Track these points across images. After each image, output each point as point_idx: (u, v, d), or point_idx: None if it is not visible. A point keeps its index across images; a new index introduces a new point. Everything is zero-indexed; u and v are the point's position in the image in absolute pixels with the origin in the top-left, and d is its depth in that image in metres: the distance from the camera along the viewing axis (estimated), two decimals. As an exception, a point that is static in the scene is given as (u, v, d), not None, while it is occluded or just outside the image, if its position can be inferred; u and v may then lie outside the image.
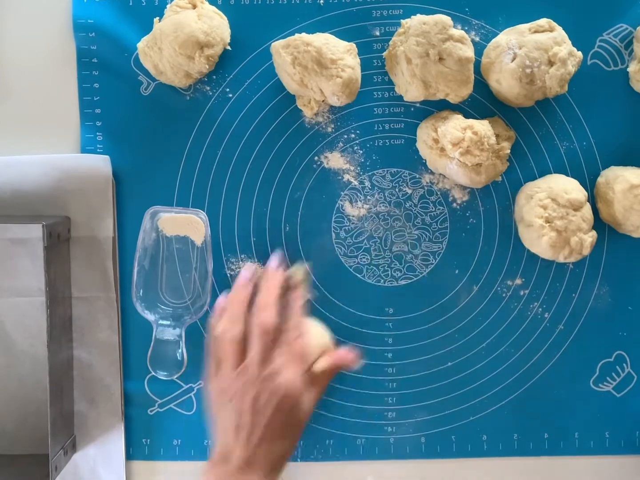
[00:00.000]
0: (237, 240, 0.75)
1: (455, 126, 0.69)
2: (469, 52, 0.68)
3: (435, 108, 0.74)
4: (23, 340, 0.76)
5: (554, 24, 0.70)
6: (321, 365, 0.70)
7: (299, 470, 0.75)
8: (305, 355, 0.69)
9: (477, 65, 0.72)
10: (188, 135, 0.74)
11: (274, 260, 0.73)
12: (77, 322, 0.75)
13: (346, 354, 0.72)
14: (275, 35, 0.73)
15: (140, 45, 0.71)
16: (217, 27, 0.71)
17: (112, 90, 0.74)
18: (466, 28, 0.73)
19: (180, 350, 0.74)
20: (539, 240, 0.70)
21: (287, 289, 0.72)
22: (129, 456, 0.76)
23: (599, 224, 0.73)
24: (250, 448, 0.66)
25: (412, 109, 0.75)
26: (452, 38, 0.68)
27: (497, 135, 0.71)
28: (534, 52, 0.68)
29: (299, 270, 0.73)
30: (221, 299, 0.72)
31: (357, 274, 0.76)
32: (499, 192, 0.75)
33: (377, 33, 0.74)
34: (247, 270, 0.73)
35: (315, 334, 0.72)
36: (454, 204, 0.75)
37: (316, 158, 0.75)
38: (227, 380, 0.68)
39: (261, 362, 0.68)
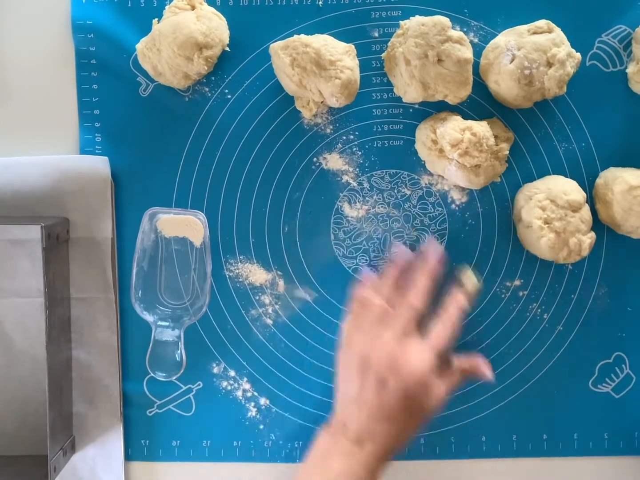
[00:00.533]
0: (235, 241, 0.75)
1: (454, 127, 0.69)
2: (467, 53, 0.68)
3: (434, 109, 0.74)
4: (22, 341, 0.76)
5: (553, 25, 0.70)
6: (461, 363, 0.70)
7: (298, 471, 0.75)
8: (442, 351, 0.68)
9: (476, 66, 0.72)
10: (187, 137, 0.74)
11: (436, 252, 0.71)
12: (76, 323, 0.75)
13: (485, 364, 0.70)
14: (274, 36, 0.73)
15: (139, 46, 0.71)
16: (215, 28, 0.71)
17: (110, 91, 0.74)
18: (465, 29, 0.73)
19: (179, 352, 0.74)
20: (537, 241, 0.70)
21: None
22: (128, 457, 0.76)
23: (598, 225, 0.73)
24: (368, 424, 0.66)
25: (411, 110, 0.75)
26: (450, 39, 0.68)
27: (495, 137, 0.71)
28: (533, 54, 0.68)
29: (471, 281, 0.72)
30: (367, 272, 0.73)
31: (356, 275, 0.75)
32: (497, 193, 0.75)
33: (376, 34, 0.74)
34: (404, 252, 0.73)
35: None
36: (453, 205, 0.75)
37: (315, 159, 0.75)
38: (362, 346, 0.68)
39: (398, 339, 0.67)
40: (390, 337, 0.67)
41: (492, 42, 0.71)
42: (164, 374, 0.73)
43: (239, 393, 0.76)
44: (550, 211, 0.69)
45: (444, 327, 0.68)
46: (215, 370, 0.76)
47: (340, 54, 0.69)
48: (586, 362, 0.75)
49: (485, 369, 0.70)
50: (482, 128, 0.69)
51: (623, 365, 0.76)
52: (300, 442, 0.76)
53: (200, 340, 0.75)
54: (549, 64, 0.68)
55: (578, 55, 0.69)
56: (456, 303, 0.70)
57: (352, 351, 0.68)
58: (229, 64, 0.74)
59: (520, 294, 0.75)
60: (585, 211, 0.70)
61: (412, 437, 0.69)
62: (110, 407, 0.75)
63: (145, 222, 0.73)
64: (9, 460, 0.75)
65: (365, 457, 0.65)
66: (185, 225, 0.74)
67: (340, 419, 0.68)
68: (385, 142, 0.75)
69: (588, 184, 0.74)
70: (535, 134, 0.74)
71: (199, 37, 0.69)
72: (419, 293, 0.69)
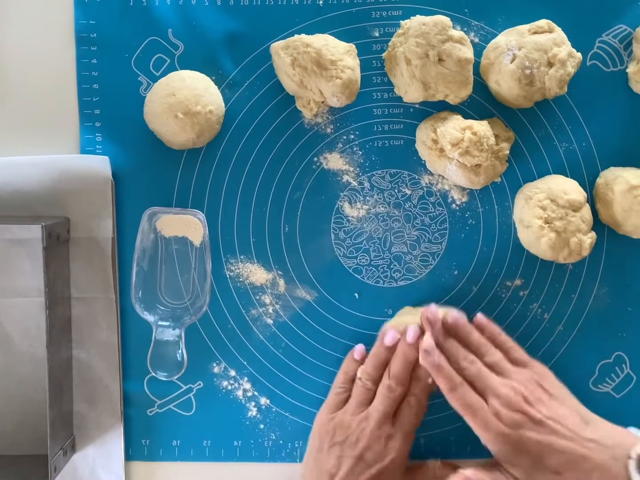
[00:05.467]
0: (236, 240, 0.75)
1: (454, 127, 0.69)
2: (468, 53, 0.68)
3: (434, 109, 0.74)
4: (22, 341, 0.76)
5: (554, 25, 0.70)
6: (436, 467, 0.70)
7: (298, 471, 0.75)
8: (414, 430, 0.70)
9: (477, 66, 0.72)
10: (187, 136, 0.75)
11: (414, 333, 0.70)
12: (76, 322, 0.75)
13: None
14: (274, 36, 0.73)
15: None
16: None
17: (111, 90, 0.74)
18: (465, 29, 0.73)
19: (180, 351, 0.74)
20: (538, 241, 0.70)
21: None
22: (128, 457, 0.76)
23: (598, 224, 0.73)
24: None
25: (412, 110, 0.75)
26: (451, 39, 0.68)
27: (496, 136, 0.71)
28: (534, 53, 0.68)
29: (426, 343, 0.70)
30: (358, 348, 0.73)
31: (356, 275, 0.76)
32: (498, 193, 0.75)
33: (377, 34, 0.74)
34: (392, 335, 0.71)
35: None
36: (453, 205, 0.75)
37: (315, 159, 0.75)
38: (346, 423, 0.69)
39: (380, 420, 0.68)
40: (374, 418, 0.68)
41: (492, 41, 0.71)
42: (166, 374, 0.73)
43: (240, 393, 0.76)
44: (551, 211, 0.69)
45: (414, 411, 0.69)
46: (216, 369, 0.76)
47: (341, 54, 0.69)
48: (586, 362, 0.75)
49: None
50: (482, 127, 0.69)
51: (623, 365, 0.76)
52: (301, 442, 0.76)
53: (201, 340, 0.75)
54: (550, 64, 0.68)
55: (579, 55, 0.69)
56: (423, 384, 0.70)
57: (334, 425, 0.69)
58: (229, 64, 0.74)
59: (521, 293, 0.75)
60: (586, 211, 0.70)
61: None
62: (110, 406, 0.75)
63: (145, 221, 0.73)
64: (9, 460, 0.75)
65: None
66: (184, 224, 0.74)
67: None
68: (386, 141, 0.75)
69: (588, 184, 0.74)
70: (535, 133, 0.74)
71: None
72: (399, 376, 0.69)
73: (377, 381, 0.70)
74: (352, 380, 0.72)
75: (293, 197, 0.75)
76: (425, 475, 0.70)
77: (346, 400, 0.71)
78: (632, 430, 0.68)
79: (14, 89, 0.75)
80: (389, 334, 0.71)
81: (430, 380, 0.70)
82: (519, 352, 0.71)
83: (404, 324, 0.71)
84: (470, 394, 0.67)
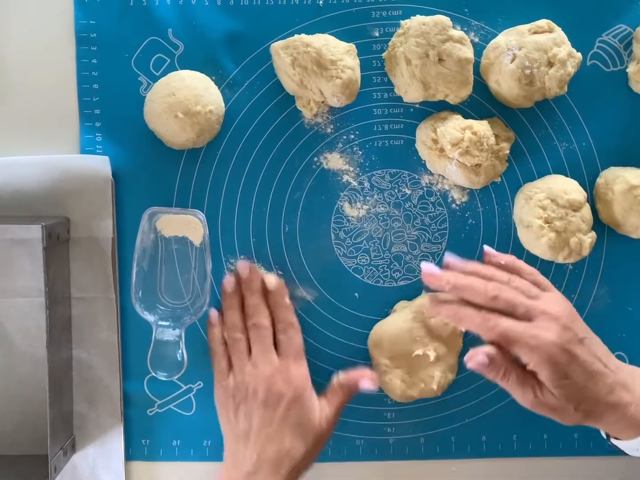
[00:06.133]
0: (236, 240, 0.75)
1: (454, 126, 0.69)
2: (468, 53, 0.69)
3: (434, 109, 0.74)
4: (23, 341, 0.76)
5: (554, 24, 0.70)
6: (340, 380, 0.71)
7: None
8: (302, 350, 0.72)
9: (477, 66, 0.72)
10: (187, 136, 0.74)
11: (244, 266, 0.73)
12: (76, 322, 0.75)
13: (365, 375, 0.71)
14: (274, 36, 0.73)
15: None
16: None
17: (111, 90, 0.74)
18: (465, 29, 0.73)
19: (180, 351, 0.73)
20: (538, 241, 0.70)
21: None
22: (128, 457, 0.76)
23: (598, 224, 0.73)
24: (259, 446, 0.67)
25: (412, 110, 0.75)
26: (451, 39, 0.68)
27: (496, 136, 0.71)
28: (534, 53, 0.68)
29: (272, 280, 0.73)
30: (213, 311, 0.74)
31: (357, 275, 0.76)
32: (498, 193, 0.75)
33: (377, 34, 0.74)
34: (228, 280, 0.73)
35: None
36: (453, 205, 0.75)
37: (315, 159, 0.75)
38: (238, 378, 0.70)
39: (265, 360, 0.70)
40: (258, 363, 0.70)
41: (492, 41, 0.71)
42: (166, 374, 0.73)
43: (240, 393, 0.76)
44: (551, 211, 0.69)
45: (288, 330, 0.71)
46: (216, 369, 0.76)
47: (341, 54, 0.69)
48: (586, 362, 0.75)
49: (364, 381, 0.70)
50: (482, 127, 0.69)
51: (623, 365, 0.76)
52: (301, 442, 0.76)
53: (201, 340, 0.75)
54: (550, 64, 0.68)
55: (579, 54, 0.70)
56: (283, 302, 0.72)
57: (230, 389, 0.70)
58: (229, 64, 0.74)
59: (521, 293, 0.75)
60: (586, 211, 0.70)
61: (310, 455, 0.69)
62: (110, 406, 0.75)
63: (145, 221, 0.73)
64: (9, 460, 0.75)
65: None
66: (184, 224, 0.74)
67: (231, 454, 0.69)
68: (386, 141, 0.75)
69: (589, 184, 0.74)
70: (535, 133, 0.74)
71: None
72: (256, 308, 0.72)
73: (244, 329, 0.72)
74: (222, 343, 0.73)
75: (293, 197, 0.75)
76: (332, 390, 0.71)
77: (228, 365, 0.72)
78: None
79: (14, 89, 0.75)
80: (226, 281, 0.73)
81: (287, 300, 0.72)
82: (541, 277, 0.67)
83: (396, 324, 0.73)
84: (504, 321, 0.62)
